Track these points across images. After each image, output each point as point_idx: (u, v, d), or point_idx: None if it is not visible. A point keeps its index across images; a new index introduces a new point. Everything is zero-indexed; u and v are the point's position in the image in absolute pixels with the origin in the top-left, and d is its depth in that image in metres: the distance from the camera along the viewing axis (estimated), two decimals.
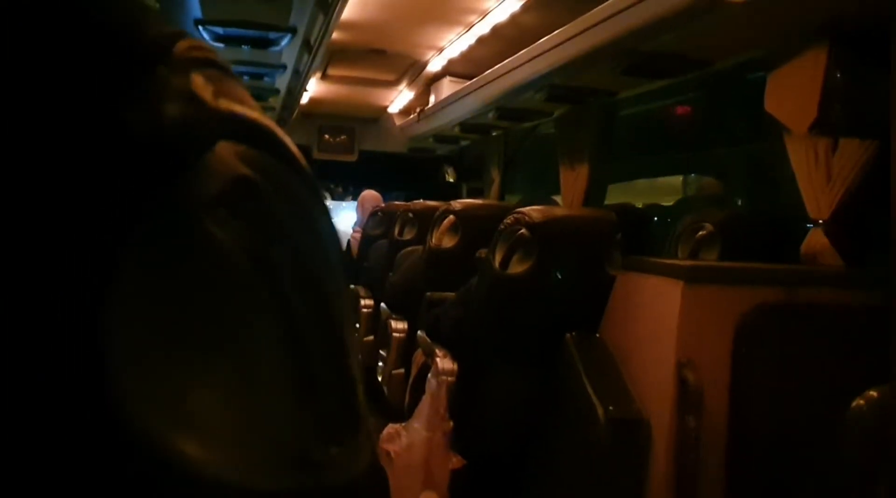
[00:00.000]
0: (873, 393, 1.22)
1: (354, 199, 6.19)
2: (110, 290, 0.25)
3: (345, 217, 5.78)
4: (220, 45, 3.30)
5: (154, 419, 0.25)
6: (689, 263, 1.95)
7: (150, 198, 0.26)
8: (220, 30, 3.20)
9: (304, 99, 5.22)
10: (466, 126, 4.45)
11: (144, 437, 0.25)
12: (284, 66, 3.83)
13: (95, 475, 0.25)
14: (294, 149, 0.32)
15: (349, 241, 4.92)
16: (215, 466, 0.26)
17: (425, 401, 2.19)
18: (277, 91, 4.43)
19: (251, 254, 0.28)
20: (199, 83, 0.29)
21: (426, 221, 3.17)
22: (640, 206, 3.51)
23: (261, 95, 4.44)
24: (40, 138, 0.25)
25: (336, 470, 0.29)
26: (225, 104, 0.29)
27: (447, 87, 4.54)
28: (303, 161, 0.33)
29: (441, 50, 4.24)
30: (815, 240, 1.89)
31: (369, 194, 5.04)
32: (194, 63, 0.29)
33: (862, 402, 1.23)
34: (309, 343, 0.29)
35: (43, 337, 0.25)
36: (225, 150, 0.28)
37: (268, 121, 0.31)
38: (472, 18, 3.64)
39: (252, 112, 0.31)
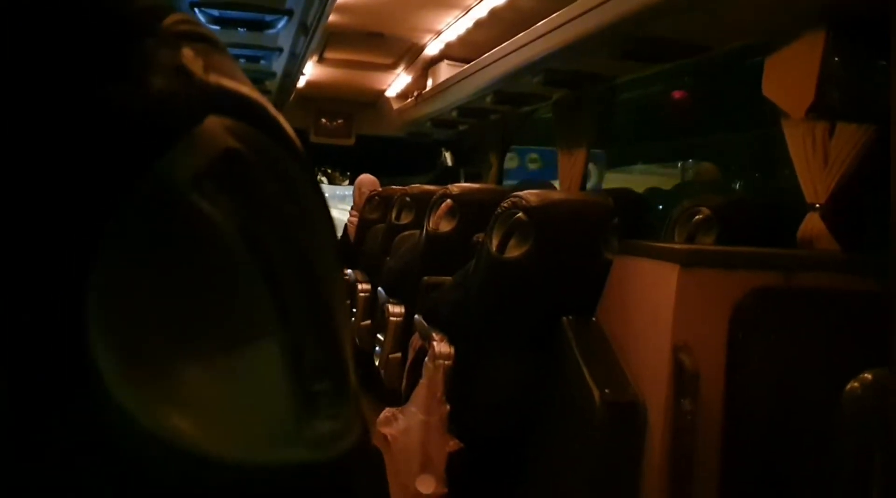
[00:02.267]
0: (868, 375, 1.22)
1: (352, 183, 6.18)
2: (97, 265, 0.25)
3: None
4: (216, 27, 3.28)
5: (145, 395, 0.25)
6: (685, 246, 1.95)
7: (137, 171, 0.26)
8: (215, 12, 3.18)
9: (301, 82, 5.19)
10: (464, 110, 4.43)
11: (136, 413, 0.25)
12: (281, 49, 3.81)
13: (89, 453, 0.25)
14: (285, 124, 0.32)
15: (346, 224, 4.92)
16: (207, 442, 0.26)
17: (422, 385, 2.19)
18: (274, 74, 4.40)
19: (239, 227, 0.28)
20: (189, 57, 0.29)
21: (423, 206, 3.17)
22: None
23: (257, 78, 4.41)
24: (23, 112, 0.25)
25: (326, 445, 0.29)
26: (214, 78, 0.29)
27: (445, 70, 4.52)
28: (294, 137, 0.32)
29: (439, 33, 4.21)
30: (812, 224, 1.89)
31: (366, 178, 5.02)
32: (184, 37, 0.29)
33: (857, 384, 1.23)
34: (298, 318, 0.29)
35: (30, 316, 0.25)
36: (214, 124, 0.28)
37: (258, 96, 0.31)
38: (470, 1, 3.62)
39: (242, 87, 0.30)
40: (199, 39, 0.30)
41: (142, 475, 0.26)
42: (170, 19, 0.29)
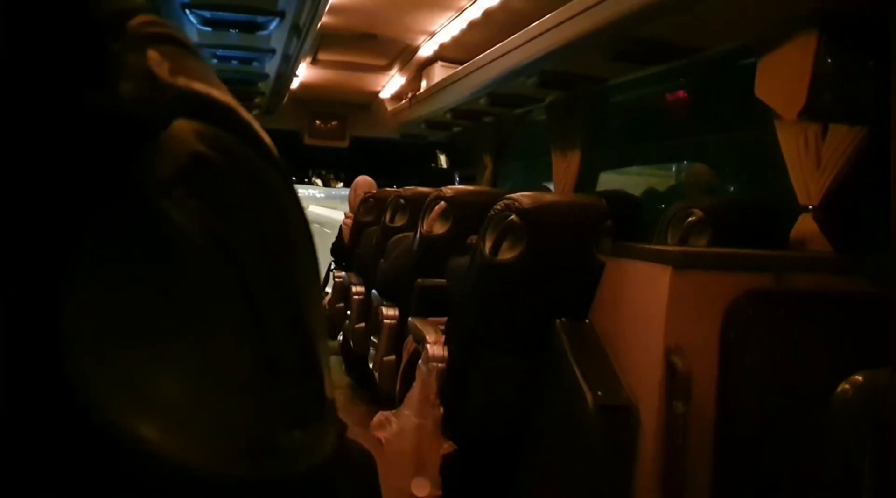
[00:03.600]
0: (859, 377, 1.22)
1: (346, 186, 6.17)
2: (68, 273, 0.25)
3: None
4: (208, 28, 3.27)
5: (115, 404, 0.25)
6: (677, 248, 1.95)
7: (106, 179, 0.26)
8: (207, 13, 3.17)
9: (295, 84, 5.18)
10: (458, 112, 4.43)
11: (106, 422, 0.25)
12: (273, 51, 3.80)
13: (57, 460, 0.25)
14: (258, 127, 0.31)
15: (341, 227, 4.91)
16: (178, 452, 0.26)
17: (416, 387, 2.19)
18: (267, 76, 4.39)
19: (210, 234, 0.27)
20: (155, 59, 0.28)
21: (417, 208, 3.16)
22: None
23: (250, 80, 4.40)
24: None
25: (301, 454, 0.29)
26: (183, 81, 0.29)
27: (439, 72, 4.51)
28: (267, 140, 0.32)
29: (432, 34, 4.21)
30: (805, 226, 1.89)
31: (363, 180, 5.01)
32: (150, 39, 0.29)
33: (847, 386, 1.23)
34: (272, 326, 0.28)
35: (2, 323, 0.24)
36: (182, 128, 0.28)
37: (229, 98, 0.30)
38: (464, 3, 3.62)
39: (212, 89, 0.30)
40: (168, 41, 0.29)
41: (117, 485, 0.25)
42: (136, 21, 0.29)
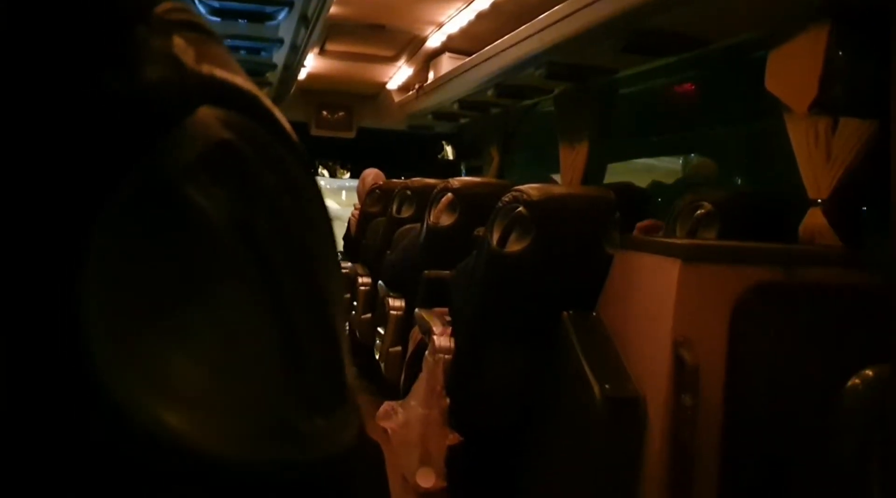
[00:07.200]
0: (869, 372, 1.22)
1: (353, 176, 6.16)
2: (89, 257, 0.25)
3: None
4: (217, 18, 3.26)
5: (136, 389, 0.25)
6: (686, 241, 1.95)
7: (128, 163, 0.26)
8: (216, 3, 3.16)
9: (302, 75, 5.17)
10: (465, 103, 4.42)
11: (126, 407, 0.25)
12: (281, 41, 3.79)
13: (77, 445, 0.25)
14: (280, 115, 0.32)
15: (350, 218, 4.91)
16: (199, 437, 0.26)
17: (422, 378, 2.19)
18: (274, 66, 4.38)
19: (233, 220, 0.27)
20: (181, 45, 0.28)
21: (424, 199, 3.16)
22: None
23: (257, 70, 4.39)
24: (15, 101, 0.25)
25: (322, 442, 0.29)
26: (207, 68, 0.29)
27: (446, 63, 4.50)
28: (289, 128, 0.32)
29: (440, 25, 4.20)
30: (814, 220, 1.89)
31: (372, 172, 5.01)
32: (176, 25, 0.29)
33: (857, 380, 1.23)
34: (294, 312, 0.29)
35: (21, 306, 0.24)
36: (206, 115, 0.28)
37: (252, 86, 0.31)
38: None
39: (236, 77, 0.30)
40: (192, 28, 0.29)
41: (135, 473, 0.26)
42: (162, 7, 0.29)
